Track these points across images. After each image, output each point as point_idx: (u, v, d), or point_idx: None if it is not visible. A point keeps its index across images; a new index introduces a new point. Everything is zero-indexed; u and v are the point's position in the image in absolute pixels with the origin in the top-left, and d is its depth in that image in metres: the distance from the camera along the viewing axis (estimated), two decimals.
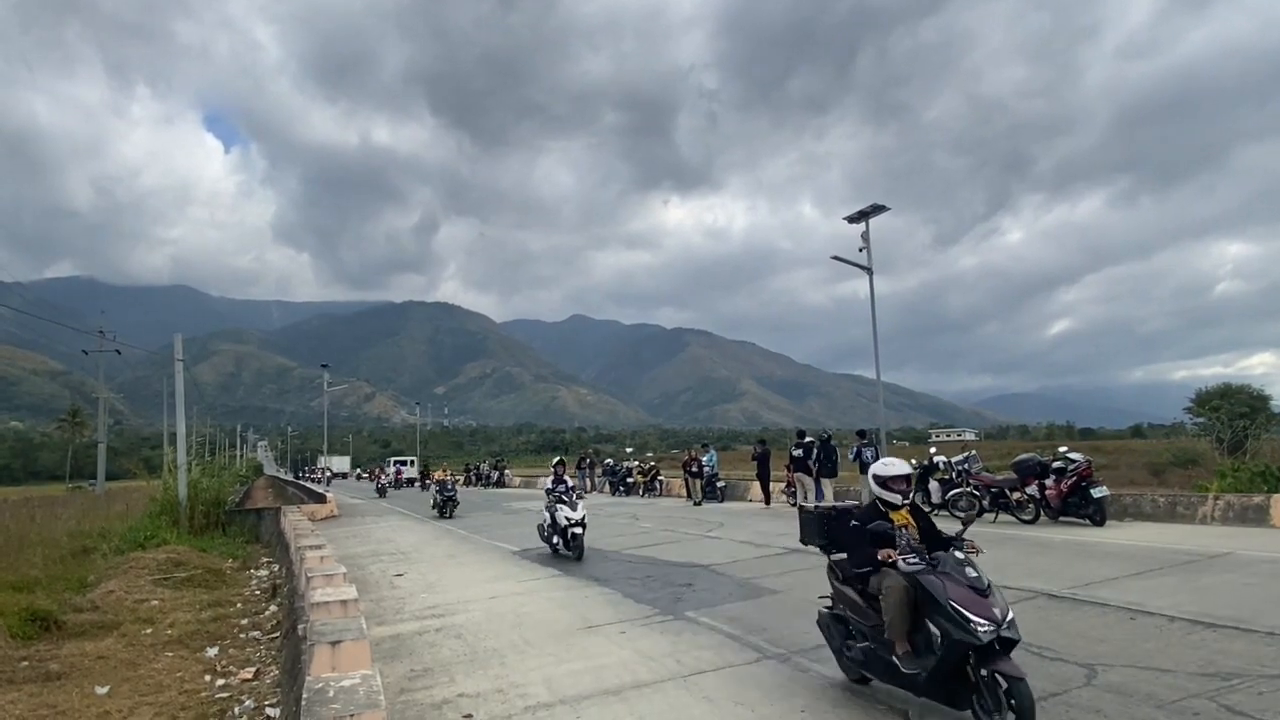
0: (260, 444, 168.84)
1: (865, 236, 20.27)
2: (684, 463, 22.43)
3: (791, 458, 16.32)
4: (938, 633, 3.79)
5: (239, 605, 9.13)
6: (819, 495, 16.28)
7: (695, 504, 20.12)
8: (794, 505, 18.47)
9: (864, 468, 15.47)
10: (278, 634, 7.39)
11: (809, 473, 16.09)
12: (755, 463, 19.87)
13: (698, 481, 21.11)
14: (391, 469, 49.81)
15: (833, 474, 15.89)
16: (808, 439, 16.60)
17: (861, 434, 16.25)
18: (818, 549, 5.09)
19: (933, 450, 15.95)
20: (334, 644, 4.01)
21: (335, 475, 57.49)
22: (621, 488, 26.84)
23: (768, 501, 19.07)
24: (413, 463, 52.48)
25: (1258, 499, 11.36)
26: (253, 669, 6.23)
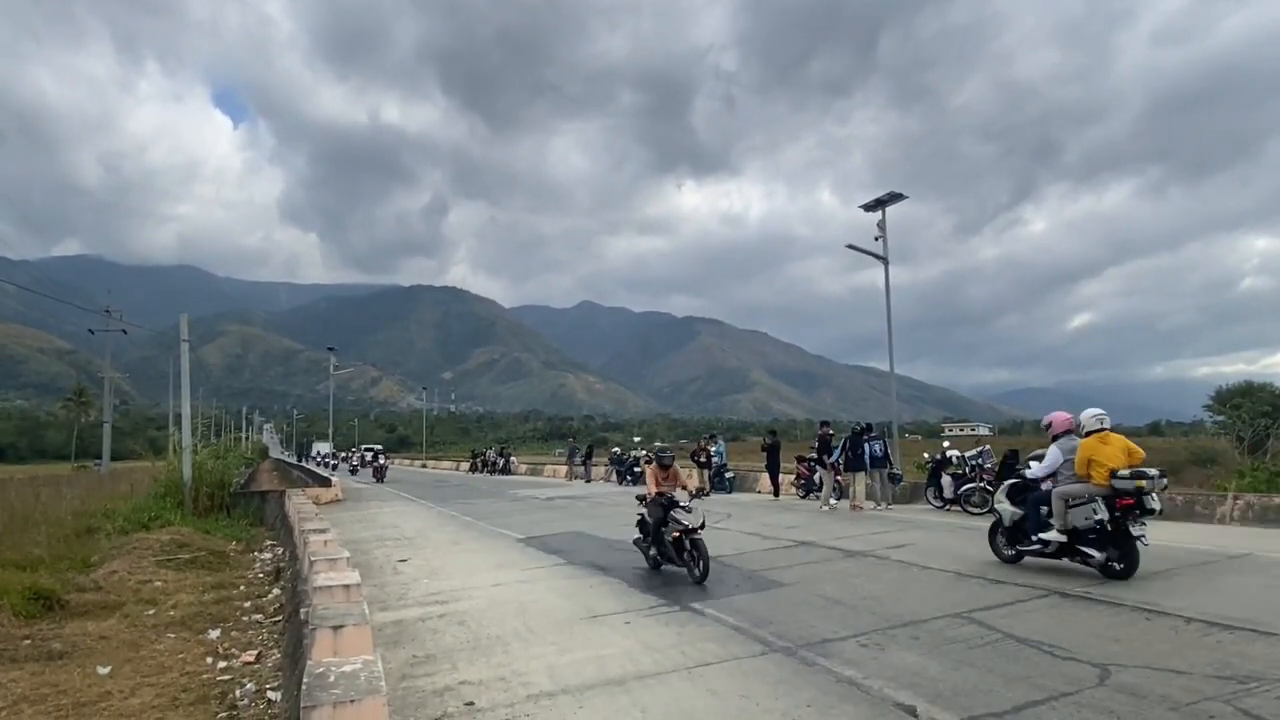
0: (266, 426, 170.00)
1: (881, 225, 20.19)
2: (692, 453, 22.42)
3: (815, 450, 16.09)
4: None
5: (242, 588, 9.19)
6: (839, 492, 16.11)
7: (704, 495, 20.12)
8: (803, 498, 18.45)
9: (873, 461, 15.38)
10: (280, 617, 7.44)
11: (828, 467, 15.88)
12: (765, 454, 19.80)
13: (705, 472, 21.09)
14: (356, 456, 55.90)
15: (860, 468, 15.40)
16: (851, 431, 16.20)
17: (868, 428, 16.14)
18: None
19: (946, 445, 15.89)
20: (336, 629, 4.03)
21: (324, 457, 61.19)
22: (629, 477, 26.90)
23: (777, 494, 19.05)
24: (380, 451, 61.69)
25: (1278, 500, 11.26)
26: (254, 652, 6.27)
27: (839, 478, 15.90)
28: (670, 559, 8.34)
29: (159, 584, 9.03)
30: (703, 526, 8.14)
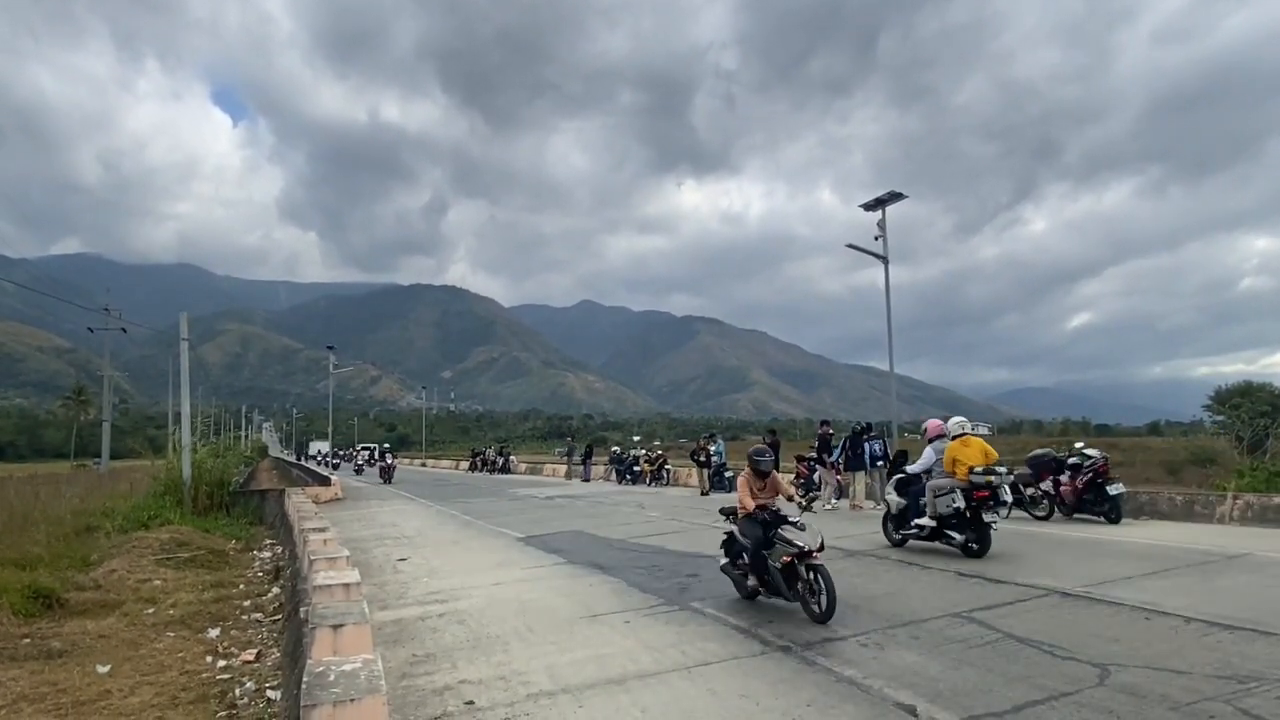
0: (265, 425, 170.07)
1: (881, 225, 20.19)
2: (691, 452, 22.44)
3: (815, 449, 16.02)
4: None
5: (241, 587, 9.19)
6: (839, 491, 16.08)
7: (703, 494, 20.13)
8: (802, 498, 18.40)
9: (872, 460, 15.38)
10: (280, 616, 7.43)
11: (828, 467, 15.82)
12: None
13: (705, 471, 21.11)
14: (361, 455, 55.96)
15: (860, 468, 15.37)
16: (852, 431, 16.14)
17: (868, 427, 16.14)
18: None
19: None
20: (336, 627, 4.02)
21: (323, 457, 61.07)
22: (628, 476, 26.91)
23: None
24: (387, 449, 62.02)
25: (1278, 499, 11.26)
26: (254, 651, 6.26)
27: (839, 477, 15.90)
28: (778, 590, 6.40)
29: (158, 583, 9.02)
30: (822, 548, 6.30)
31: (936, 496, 9.24)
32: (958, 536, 8.98)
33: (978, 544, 8.85)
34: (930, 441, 10.19)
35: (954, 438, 9.58)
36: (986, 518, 8.82)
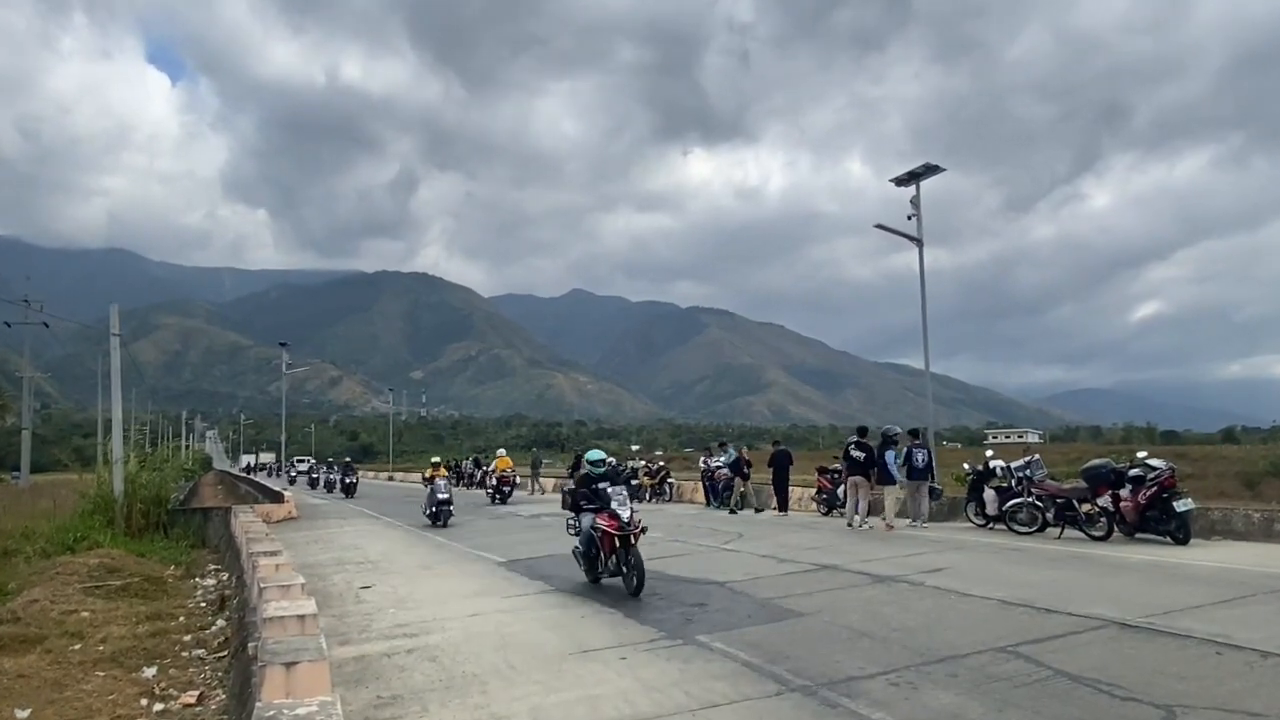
0: (209, 433, 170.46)
1: (915, 202, 20.14)
2: (733, 463, 22.36)
3: (848, 458, 15.94)
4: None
5: (181, 619, 9.22)
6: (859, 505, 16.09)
7: (731, 511, 20.10)
8: (825, 514, 18.47)
9: (914, 471, 15.35)
10: (225, 653, 7.45)
11: (867, 478, 15.76)
12: (771, 468, 20.00)
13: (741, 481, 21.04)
14: (303, 465, 61.75)
15: (890, 480, 15.28)
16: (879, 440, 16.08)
17: (914, 433, 16.11)
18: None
19: (989, 454, 15.87)
20: (289, 665, 4.02)
21: (261, 467, 63.67)
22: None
23: (785, 508, 19.32)
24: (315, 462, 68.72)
25: None
26: (196, 692, 6.28)
27: (871, 492, 15.83)
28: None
29: (86, 614, 9.04)
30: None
31: (487, 479, 27.74)
32: (498, 497, 26.06)
33: (503, 501, 25.51)
34: (499, 456, 28.11)
35: (499, 457, 28.06)
36: (504, 489, 26.50)
